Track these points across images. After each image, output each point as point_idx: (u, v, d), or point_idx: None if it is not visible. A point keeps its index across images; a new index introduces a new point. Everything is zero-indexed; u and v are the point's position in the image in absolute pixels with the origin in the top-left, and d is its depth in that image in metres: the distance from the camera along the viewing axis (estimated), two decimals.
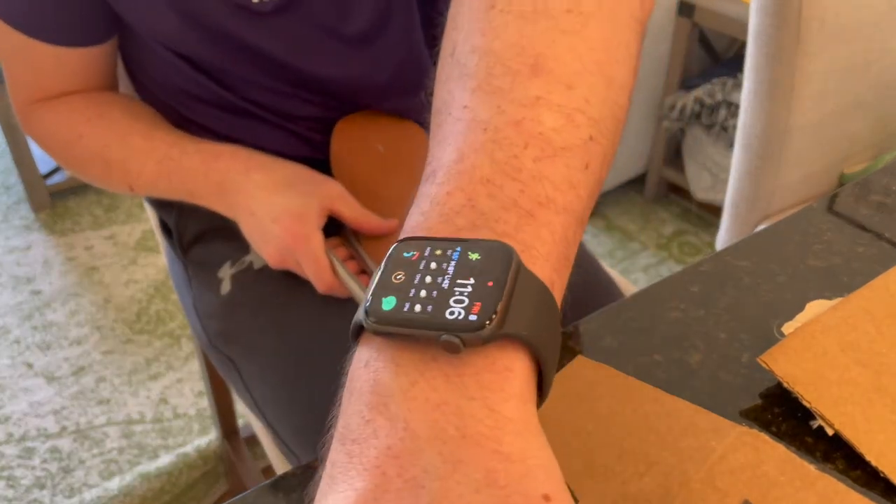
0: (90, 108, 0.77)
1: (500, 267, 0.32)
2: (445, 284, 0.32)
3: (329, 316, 0.74)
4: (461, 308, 0.31)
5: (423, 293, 0.32)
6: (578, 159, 0.37)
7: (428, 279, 0.32)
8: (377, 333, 0.32)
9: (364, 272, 0.74)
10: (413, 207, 0.37)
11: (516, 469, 0.29)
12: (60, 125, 0.77)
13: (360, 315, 0.33)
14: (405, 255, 0.33)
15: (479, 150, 0.36)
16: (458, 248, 0.33)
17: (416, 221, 0.35)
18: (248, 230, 0.72)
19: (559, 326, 0.34)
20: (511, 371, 0.31)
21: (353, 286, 0.70)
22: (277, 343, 0.75)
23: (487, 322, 0.30)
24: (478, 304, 0.31)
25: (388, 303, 0.32)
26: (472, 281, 0.32)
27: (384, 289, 0.33)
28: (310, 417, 0.72)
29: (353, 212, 0.72)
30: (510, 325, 0.31)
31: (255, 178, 0.71)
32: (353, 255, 0.75)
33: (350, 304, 0.74)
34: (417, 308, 0.31)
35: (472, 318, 0.31)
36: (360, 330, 0.34)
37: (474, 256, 0.32)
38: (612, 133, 0.39)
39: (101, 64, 0.78)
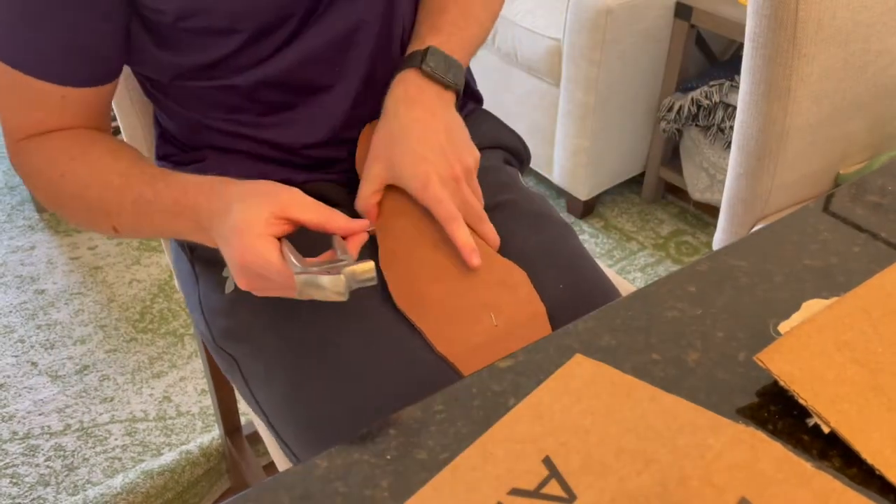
0: (74, 146, 0.74)
1: None
2: None
3: (332, 318, 0.74)
4: None
5: None
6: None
7: None
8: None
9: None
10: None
11: None
12: (44, 163, 0.74)
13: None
14: None
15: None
16: None
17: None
18: (226, 260, 0.68)
19: None
20: None
21: (314, 277, 0.61)
22: (280, 343, 0.75)
23: None
24: None
25: None
26: None
27: None
28: (311, 419, 0.72)
29: (311, 215, 0.66)
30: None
31: (215, 206, 0.68)
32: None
33: (354, 304, 0.74)
34: None
35: None
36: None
37: None
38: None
39: (104, 101, 0.77)
